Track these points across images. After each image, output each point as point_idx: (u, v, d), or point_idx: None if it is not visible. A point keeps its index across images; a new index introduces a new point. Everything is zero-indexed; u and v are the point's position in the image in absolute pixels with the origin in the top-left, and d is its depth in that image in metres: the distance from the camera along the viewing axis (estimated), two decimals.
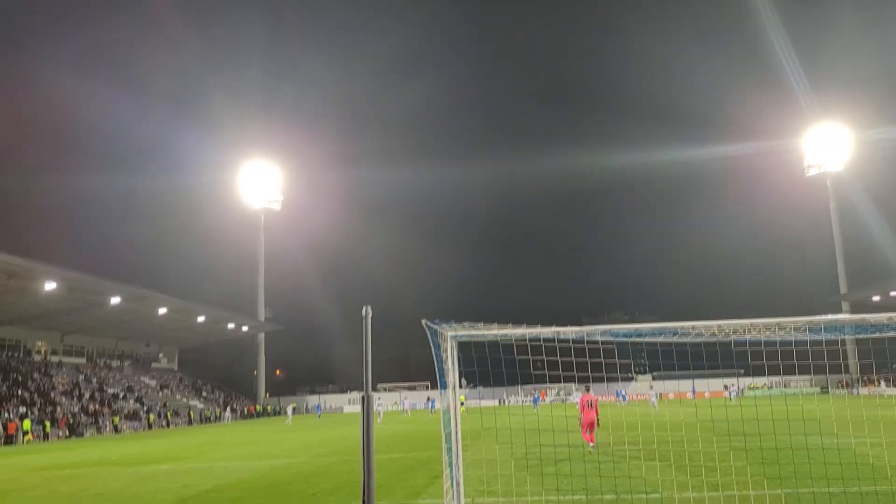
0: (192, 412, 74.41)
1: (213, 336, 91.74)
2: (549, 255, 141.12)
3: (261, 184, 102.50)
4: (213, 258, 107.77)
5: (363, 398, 6.80)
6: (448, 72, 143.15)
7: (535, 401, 57.14)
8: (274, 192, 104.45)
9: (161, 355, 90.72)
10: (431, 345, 7.47)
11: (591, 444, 18.29)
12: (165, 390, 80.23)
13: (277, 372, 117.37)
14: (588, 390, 19.80)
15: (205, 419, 75.15)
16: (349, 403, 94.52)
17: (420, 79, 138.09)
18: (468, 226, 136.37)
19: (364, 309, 6.79)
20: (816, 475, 11.28)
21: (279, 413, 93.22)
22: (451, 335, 8.34)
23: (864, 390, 70.95)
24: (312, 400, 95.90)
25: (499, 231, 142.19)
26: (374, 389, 77.28)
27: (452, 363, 8.45)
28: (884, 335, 10.46)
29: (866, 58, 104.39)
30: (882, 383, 67.83)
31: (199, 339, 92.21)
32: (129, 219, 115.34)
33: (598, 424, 18.86)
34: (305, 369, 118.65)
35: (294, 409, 72.64)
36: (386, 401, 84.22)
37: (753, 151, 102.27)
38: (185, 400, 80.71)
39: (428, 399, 71.04)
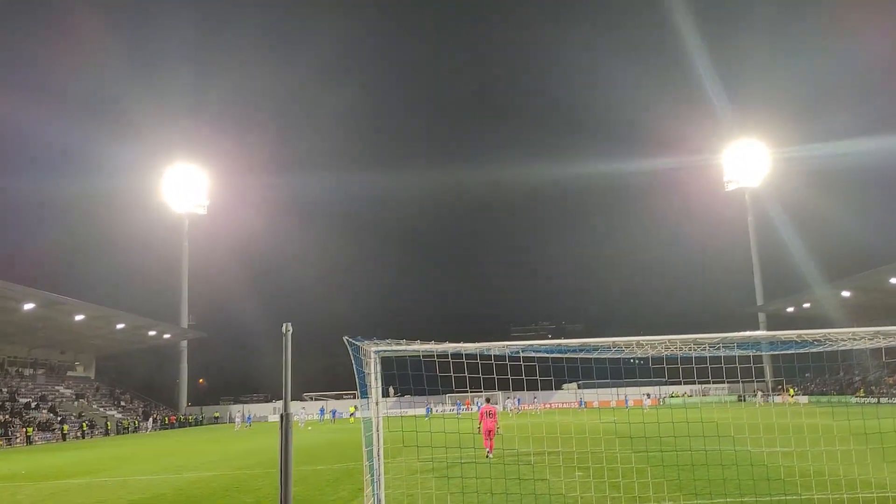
0: (109, 423, 71.55)
1: (134, 343, 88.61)
2: (477, 264, 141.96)
3: (185, 188, 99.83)
4: (135, 264, 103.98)
5: (281, 416, 6.65)
6: (378, 78, 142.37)
7: (457, 408, 57.57)
8: (199, 196, 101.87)
9: (77, 363, 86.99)
10: (353, 361, 7.37)
11: (490, 450, 19.86)
12: (81, 400, 76.94)
13: (200, 381, 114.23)
14: (488, 401, 22.10)
15: (123, 430, 72.41)
16: (274, 413, 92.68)
17: (350, 84, 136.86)
18: (397, 234, 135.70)
19: (284, 326, 6.65)
20: (730, 486, 11.64)
21: (201, 423, 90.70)
22: (374, 350, 8.25)
23: (777, 398, 74.04)
24: (236, 409, 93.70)
25: (428, 240, 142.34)
26: (300, 399, 76.51)
27: (375, 378, 8.36)
28: (794, 351, 10.92)
29: (782, 79, 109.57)
30: (790, 391, 70.92)
31: (118, 346, 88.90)
32: (44, 223, 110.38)
33: (497, 433, 20.47)
34: (229, 378, 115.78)
35: (244, 416, 71.48)
36: (311, 409, 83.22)
37: (676, 165, 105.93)
38: (101, 410, 77.58)
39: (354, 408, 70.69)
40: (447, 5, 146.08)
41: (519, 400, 73.78)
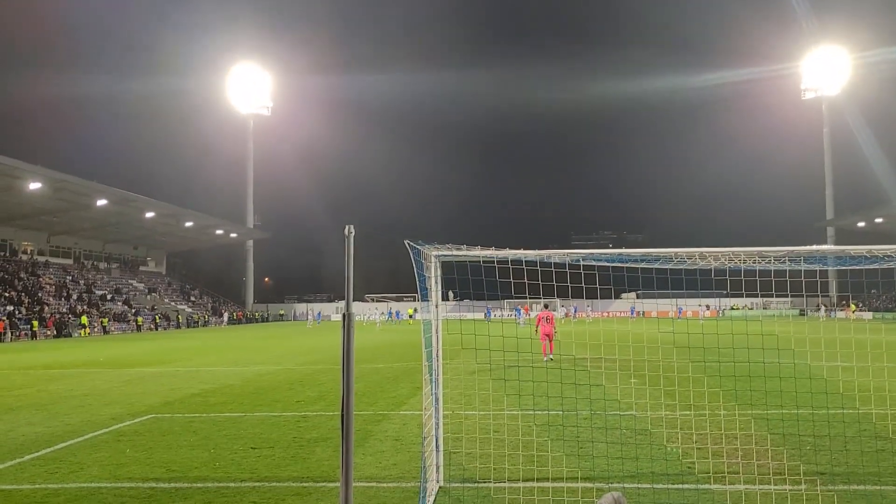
0: (180, 316, 75.30)
1: (202, 242, 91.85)
2: (544, 171, 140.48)
3: (250, 89, 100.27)
4: (202, 164, 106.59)
5: (344, 316, 6.80)
6: None
7: (517, 313, 58.26)
8: (264, 97, 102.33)
9: (149, 259, 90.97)
10: (414, 264, 7.47)
11: (548, 355, 20.64)
12: (154, 294, 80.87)
13: (266, 280, 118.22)
14: (546, 307, 22.96)
15: (193, 323, 76.18)
16: (337, 312, 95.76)
17: None
18: (464, 138, 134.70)
19: (346, 228, 6.72)
20: (786, 397, 11.63)
21: (266, 320, 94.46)
22: (435, 255, 8.33)
23: (840, 314, 72.57)
24: (300, 308, 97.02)
25: (495, 147, 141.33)
26: (362, 300, 78.51)
27: (435, 282, 8.49)
28: (862, 267, 10.57)
29: None
30: (853, 307, 69.35)
31: (187, 244, 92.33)
32: (116, 122, 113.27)
33: (555, 337, 21.29)
34: (294, 278, 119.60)
35: (314, 314, 74.48)
36: (382, 310, 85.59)
37: (751, 77, 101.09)
38: (173, 304, 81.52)
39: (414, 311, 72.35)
40: None
41: (576, 308, 74.31)
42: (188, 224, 76.17)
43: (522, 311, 58.27)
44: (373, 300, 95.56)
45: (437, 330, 8.27)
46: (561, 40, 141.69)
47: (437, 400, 8.07)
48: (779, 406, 11.57)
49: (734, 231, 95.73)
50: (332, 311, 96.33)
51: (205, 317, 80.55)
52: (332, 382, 17.55)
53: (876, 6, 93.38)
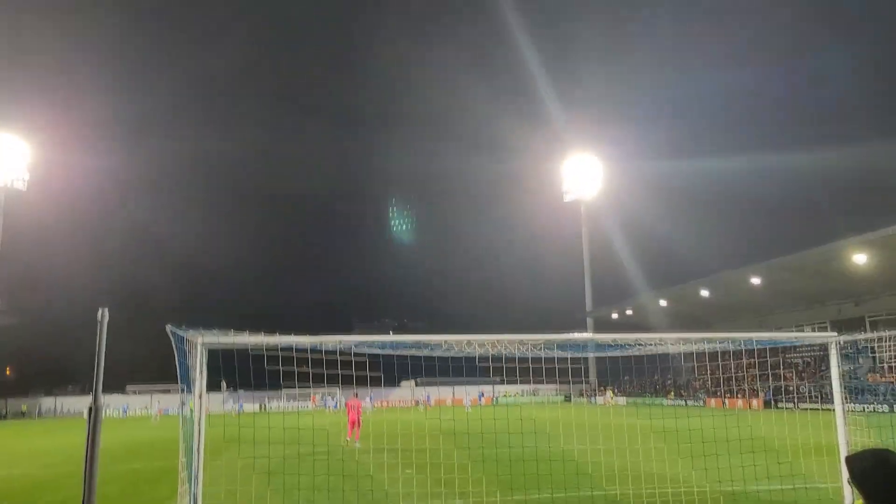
0: None
1: None
2: (322, 257, 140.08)
3: (3, 159, 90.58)
4: None
5: (90, 409, 6.15)
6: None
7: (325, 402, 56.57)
8: (19, 168, 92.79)
9: None
10: (175, 352, 6.97)
11: (357, 440, 22.32)
12: None
13: (7, 371, 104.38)
14: (356, 396, 25.38)
15: None
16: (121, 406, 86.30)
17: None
18: (237, 215, 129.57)
19: (100, 311, 6.15)
20: (544, 481, 12.26)
21: (4, 417, 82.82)
22: (202, 342, 7.86)
23: (599, 399, 78.93)
24: (47, 402, 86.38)
25: (275, 228, 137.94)
26: (122, 391, 71.34)
27: (201, 371, 7.97)
28: (617, 354, 11.62)
29: (616, 103, 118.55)
30: (610, 393, 75.91)
31: None
32: None
33: (360, 424, 23.16)
34: (41, 368, 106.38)
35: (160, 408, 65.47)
36: (135, 404, 78.76)
37: (519, 174, 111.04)
38: None
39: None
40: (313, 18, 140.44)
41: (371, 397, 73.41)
42: None
43: (310, 401, 57.15)
44: (136, 392, 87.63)
45: (199, 423, 7.72)
46: (336, 122, 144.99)
47: (195, 500, 7.44)
48: (537, 489, 12.17)
49: (510, 320, 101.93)
50: (86, 405, 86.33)
51: None
52: (78, 486, 15.55)
53: (623, 126, 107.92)
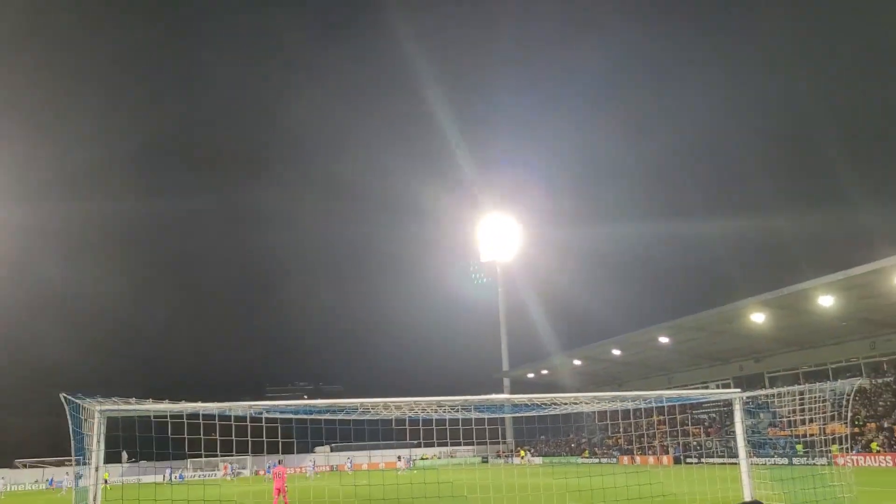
0: None
1: None
2: (232, 321, 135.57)
3: None
4: None
5: None
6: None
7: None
8: None
9: None
10: (70, 420, 6.55)
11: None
12: None
13: None
14: (280, 463, 26.51)
15: None
16: None
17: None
18: (155, 277, 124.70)
19: None
20: None
21: None
22: (100, 410, 7.43)
23: (516, 459, 78.71)
24: None
25: (184, 288, 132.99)
26: (10, 466, 65.98)
27: (98, 440, 7.52)
28: (529, 414, 11.68)
29: (532, 170, 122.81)
30: (522, 452, 75.96)
31: None
32: None
33: (286, 493, 23.70)
34: None
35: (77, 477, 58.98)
36: (26, 478, 73.25)
37: (434, 235, 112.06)
38: None
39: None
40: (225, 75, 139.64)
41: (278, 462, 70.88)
42: None
43: (222, 471, 54.61)
44: (25, 466, 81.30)
45: (96, 498, 7.24)
46: (247, 183, 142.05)
47: None
48: None
49: (428, 383, 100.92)
50: None
51: None
52: None
53: (538, 192, 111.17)
